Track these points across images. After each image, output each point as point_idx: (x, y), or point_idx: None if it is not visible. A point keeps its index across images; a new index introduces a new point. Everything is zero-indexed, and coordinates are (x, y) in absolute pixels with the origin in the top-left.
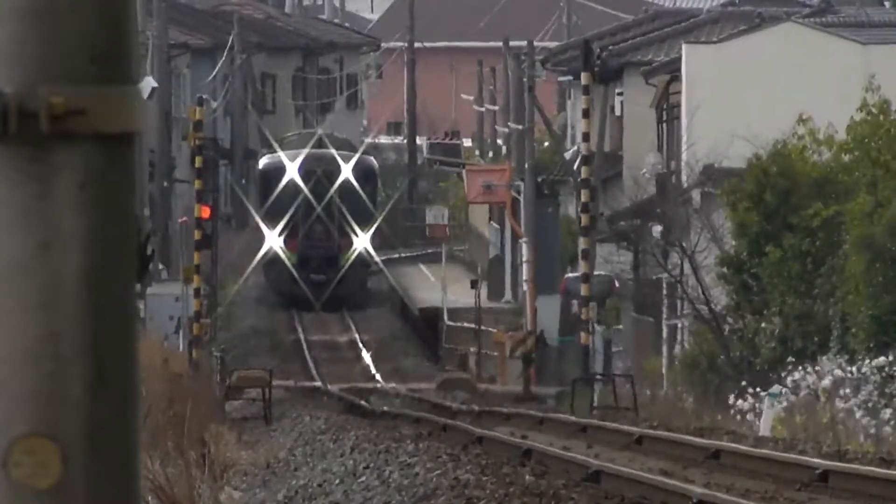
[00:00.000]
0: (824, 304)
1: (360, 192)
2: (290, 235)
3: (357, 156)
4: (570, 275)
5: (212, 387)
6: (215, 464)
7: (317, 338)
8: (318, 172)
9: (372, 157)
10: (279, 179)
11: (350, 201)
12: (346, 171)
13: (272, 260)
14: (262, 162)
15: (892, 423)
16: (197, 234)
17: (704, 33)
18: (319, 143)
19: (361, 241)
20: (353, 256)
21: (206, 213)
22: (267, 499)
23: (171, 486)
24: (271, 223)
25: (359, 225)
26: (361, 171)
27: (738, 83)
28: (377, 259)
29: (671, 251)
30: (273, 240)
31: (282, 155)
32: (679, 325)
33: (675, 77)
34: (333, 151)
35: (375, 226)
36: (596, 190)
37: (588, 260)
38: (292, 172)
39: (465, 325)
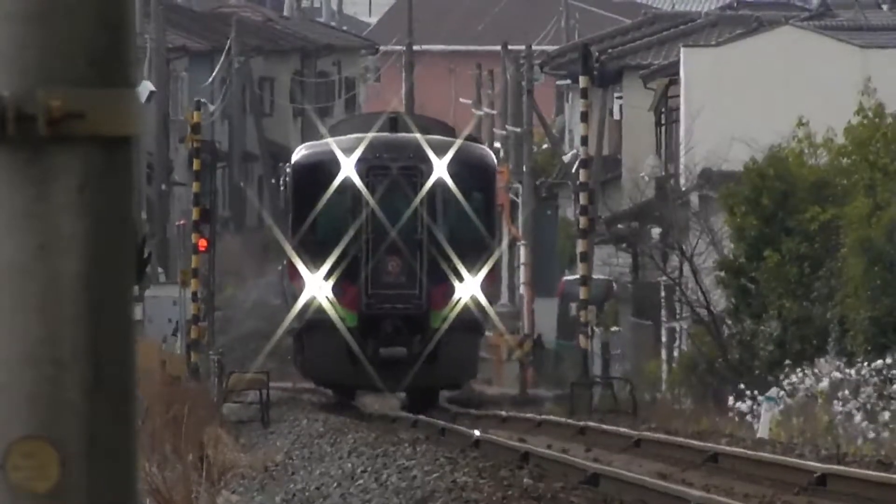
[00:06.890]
0: (822, 307)
1: (465, 203)
2: (344, 279)
3: (458, 142)
4: (569, 277)
5: (209, 389)
6: (213, 467)
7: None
8: (394, 170)
9: (485, 147)
10: (326, 183)
11: (449, 219)
12: (441, 168)
13: (313, 323)
14: (298, 154)
15: (891, 426)
16: (194, 238)
17: (703, 37)
18: (394, 125)
19: (468, 288)
20: (453, 314)
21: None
22: (265, 502)
23: (169, 489)
24: (313, 258)
25: (463, 261)
26: (466, 169)
27: (737, 87)
28: (494, 316)
29: (670, 254)
30: (315, 287)
31: (331, 142)
32: (678, 328)
33: (674, 80)
34: (418, 135)
35: (493, 262)
36: (595, 193)
37: (587, 262)
38: (348, 170)
39: None
